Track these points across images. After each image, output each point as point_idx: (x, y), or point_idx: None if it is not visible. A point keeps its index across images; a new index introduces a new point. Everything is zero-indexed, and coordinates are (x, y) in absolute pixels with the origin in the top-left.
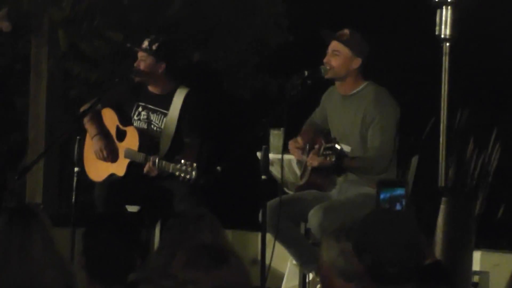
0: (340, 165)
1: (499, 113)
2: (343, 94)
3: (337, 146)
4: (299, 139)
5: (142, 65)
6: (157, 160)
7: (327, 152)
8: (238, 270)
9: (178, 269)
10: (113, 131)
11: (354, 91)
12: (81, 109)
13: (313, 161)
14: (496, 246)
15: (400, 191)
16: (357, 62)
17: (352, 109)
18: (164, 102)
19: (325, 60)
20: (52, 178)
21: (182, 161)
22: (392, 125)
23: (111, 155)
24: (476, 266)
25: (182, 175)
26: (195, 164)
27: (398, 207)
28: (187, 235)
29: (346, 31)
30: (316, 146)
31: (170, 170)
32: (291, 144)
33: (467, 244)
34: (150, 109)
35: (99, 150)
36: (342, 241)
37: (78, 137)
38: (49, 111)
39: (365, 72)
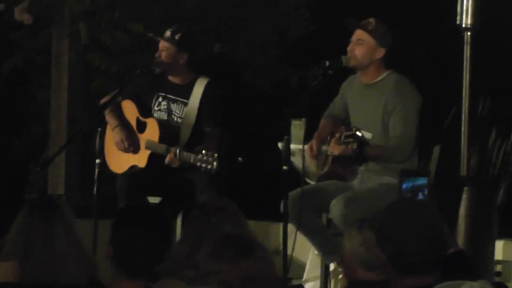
0: (361, 153)
1: None
2: (365, 83)
3: (358, 133)
4: (313, 144)
5: (164, 55)
6: (178, 151)
7: (348, 140)
8: (264, 261)
9: (204, 260)
10: (133, 123)
11: (376, 80)
12: (102, 101)
13: (334, 149)
14: None
15: (422, 181)
16: (381, 52)
17: (373, 97)
18: (185, 92)
19: (348, 49)
20: (74, 170)
21: (203, 151)
22: (414, 114)
23: (132, 146)
24: (498, 255)
25: (204, 165)
26: (216, 155)
27: (420, 196)
28: (209, 226)
29: (372, 20)
30: (337, 135)
31: (192, 161)
32: (307, 151)
33: (490, 233)
34: (170, 99)
35: (120, 141)
36: (364, 231)
37: (99, 129)
38: (70, 104)
39: (387, 62)
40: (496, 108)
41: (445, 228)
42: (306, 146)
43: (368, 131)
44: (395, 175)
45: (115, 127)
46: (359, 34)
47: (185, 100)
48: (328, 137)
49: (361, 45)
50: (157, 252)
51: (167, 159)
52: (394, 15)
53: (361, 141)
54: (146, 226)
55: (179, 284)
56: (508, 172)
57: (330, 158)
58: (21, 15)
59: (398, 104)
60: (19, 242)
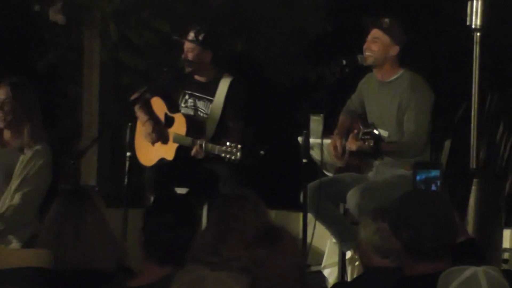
0: (377, 149)
1: None
2: (381, 80)
3: (375, 131)
4: (336, 139)
5: (190, 56)
6: (203, 143)
7: (366, 137)
8: (287, 250)
9: (241, 249)
10: (162, 118)
11: (392, 78)
12: (132, 98)
13: (352, 145)
14: None
15: (435, 173)
16: (395, 50)
17: (389, 95)
18: (210, 90)
19: (365, 46)
20: (105, 162)
21: (228, 143)
22: (427, 111)
23: (161, 138)
24: (506, 243)
25: (228, 156)
26: (239, 146)
27: (433, 187)
28: (232, 215)
29: (387, 19)
30: (355, 131)
31: (216, 152)
32: (329, 146)
33: (497, 222)
34: (196, 97)
35: (149, 134)
36: (379, 220)
37: (129, 123)
38: (101, 99)
39: (402, 60)
40: (504, 104)
41: (456, 217)
42: (329, 144)
43: (383, 126)
44: (408, 167)
45: (145, 121)
46: (374, 32)
47: (211, 98)
48: (345, 129)
49: (376, 42)
50: (184, 240)
51: (193, 151)
52: (408, 15)
53: (378, 138)
54: (175, 215)
55: (203, 269)
56: None
57: (347, 152)
58: (55, 15)
59: (412, 101)
60: (53, 230)
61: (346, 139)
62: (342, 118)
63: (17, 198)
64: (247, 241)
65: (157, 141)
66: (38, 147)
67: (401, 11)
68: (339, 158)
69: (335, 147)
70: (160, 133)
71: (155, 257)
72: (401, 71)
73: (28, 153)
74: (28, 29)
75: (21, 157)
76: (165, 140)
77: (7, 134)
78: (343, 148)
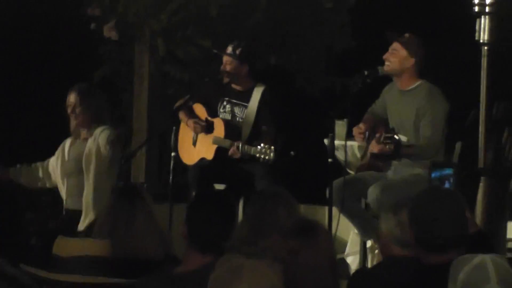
0: (397, 152)
1: None
2: (401, 89)
3: (395, 136)
4: (361, 125)
5: (228, 68)
6: (240, 145)
7: (387, 141)
8: (325, 238)
9: (275, 241)
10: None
11: (410, 87)
12: (176, 105)
13: (374, 148)
14: None
15: (448, 171)
16: (411, 62)
17: (408, 103)
18: (245, 97)
19: (384, 57)
20: (153, 162)
21: (262, 144)
22: (442, 119)
23: (206, 126)
24: (510, 234)
25: (262, 156)
26: (273, 147)
27: (447, 185)
28: (267, 210)
29: (407, 34)
30: (377, 135)
31: (251, 153)
32: (355, 130)
33: (502, 216)
34: (233, 103)
35: (196, 123)
36: (399, 214)
37: (174, 127)
38: (150, 107)
39: (421, 71)
40: (509, 111)
41: (467, 212)
42: (351, 143)
43: (402, 131)
44: (424, 166)
45: (188, 119)
46: (394, 45)
47: (246, 104)
48: (368, 132)
49: (394, 54)
50: (223, 231)
51: (230, 152)
52: (425, 32)
53: (398, 143)
54: (216, 209)
55: (240, 257)
56: None
57: (369, 153)
58: (109, 32)
59: (428, 109)
60: (107, 223)
61: (369, 135)
62: (366, 116)
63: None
64: (282, 233)
65: (204, 127)
66: (100, 131)
67: (418, 28)
68: (361, 135)
69: (359, 127)
70: (202, 125)
71: (198, 247)
72: (419, 82)
73: (90, 141)
74: (85, 44)
75: (90, 144)
76: (210, 128)
77: (81, 130)
78: (366, 128)
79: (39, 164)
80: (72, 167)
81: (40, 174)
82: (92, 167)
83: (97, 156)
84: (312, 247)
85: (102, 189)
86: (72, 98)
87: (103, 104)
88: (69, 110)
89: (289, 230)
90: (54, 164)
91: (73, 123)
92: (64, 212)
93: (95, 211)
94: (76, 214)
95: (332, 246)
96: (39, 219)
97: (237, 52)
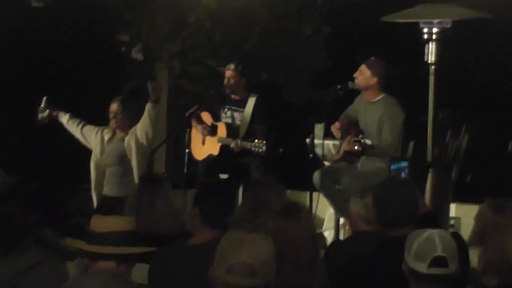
0: (363, 152)
1: (468, 113)
2: (367, 101)
3: (362, 140)
4: (337, 124)
5: (231, 82)
6: (239, 141)
7: (355, 144)
8: (302, 219)
9: (268, 219)
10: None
11: (374, 100)
12: (188, 113)
13: (345, 147)
14: (465, 200)
15: (404, 165)
16: (374, 80)
17: (372, 113)
18: (242, 105)
19: (354, 75)
20: (171, 157)
21: (256, 140)
22: (399, 125)
23: (211, 129)
24: (452, 213)
25: (256, 149)
26: (264, 142)
27: (402, 175)
28: (261, 194)
29: (372, 58)
30: (348, 137)
31: (248, 147)
32: (333, 127)
33: (446, 199)
34: (233, 110)
35: (203, 128)
36: (365, 198)
37: (187, 130)
38: (168, 113)
39: (383, 87)
40: (451, 117)
41: (418, 196)
42: (327, 142)
43: (367, 134)
44: (385, 161)
45: (197, 125)
46: (362, 66)
47: (242, 110)
48: (343, 131)
49: (361, 73)
50: (227, 211)
51: (231, 146)
52: (387, 55)
53: (364, 146)
54: (221, 194)
55: (241, 232)
56: (459, 159)
57: (342, 150)
58: (135, 54)
59: (388, 118)
60: (133, 204)
61: (343, 133)
62: (342, 116)
63: None
64: (272, 213)
65: (207, 135)
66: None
67: (381, 52)
68: (337, 130)
69: (335, 125)
70: (208, 130)
71: (208, 223)
72: (381, 95)
73: (127, 139)
74: (117, 64)
75: (127, 141)
76: (214, 132)
77: (119, 131)
78: (341, 125)
79: (80, 124)
80: (110, 160)
81: (79, 134)
82: (134, 156)
83: (137, 146)
84: (296, 224)
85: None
86: (115, 106)
87: (136, 111)
88: (111, 115)
89: (278, 210)
90: (93, 140)
91: (113, 125)
92: (102, 197)
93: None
94: (113, 200)
95: (312, 223)
96: (81, 201)
97: (238, 68)
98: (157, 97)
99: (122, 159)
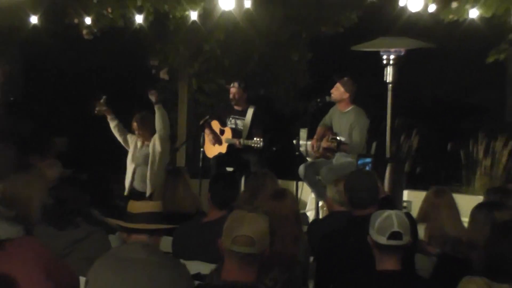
0: (338, 147)
1: (417, 121)
2: (341, 110)
3: (338, 137)
4: (314, 141)
5: (237, 96)
6: (242, 141)
7: (332, 140)
8: (290, 201)
9: (265, 202)
10: (217, 131)
11: (346, 110)
12: (201, 122)
13: (324, 144)
14: (415, 187)
15: (368, 160)
16: (346, 95)
17: (344, 120)
18: (243, 114)
19: (331, 91)
20: (189, 154)
21: (255, 138)
22: (364, 129)
23: (217, 141)
24: (405, 198)
25: (255, 145)
26: (262, 139)
27: (367, 168)
28: (259, 184)
29: (345, 78)
30: (327, 136)
31: (249, 144)
32: (311, 148)
33: (400, 187)
34: (236, 118)
35: (213, 138)
36: (338, 185)
37: (202, 133)
38: (187, 121)
39: (353, 100)
40: (405, 123)
41: (379, 184)
42: (309, 143)
43: (340, 135)
44: (354, 157)
45: (208, 133)
46: (337, 84)
47: (243, 118)
48: (321, 136)
49: (336, 90)
50: (232, 195)
51: (236, 144)
52: (356, 74)
53: (339, 142)
54: (227, 182)
55: (243, 211)
56: (410, 155)
57: (322, 147)
58: (163, 75)
59: (356, 124)
60: (161, 191)
61: (320, 138)
62: (319, 128)
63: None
64: (266, 197)
65: (215, 143)
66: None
67: (351, 73)
68: (315, 152)
69: (312, 146)
70: (216, 136)
71: (217, 204)
72: (352, 106)
73: (150, 144)
74: (149, 83)
75: (150, 146)
76: (219, 142)
77: (144, 140)
78: (318, 146)
79: (124, 132)
80: (140, 160)
81: (122, 139)
82: (157, 158)
83: (156, 152)
84: (283, 205)
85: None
86: (134, 125)
87: (153, 122)
88: (134, 131)
89: (270, 195)
90: (130, 145)
91: (139, 137)
92: (131, 190)
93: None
94: (139, 194)
95: (296, 205)
96: (120, 189)
97: (241, 85)
98: (157, 99)
99: (147, 161)
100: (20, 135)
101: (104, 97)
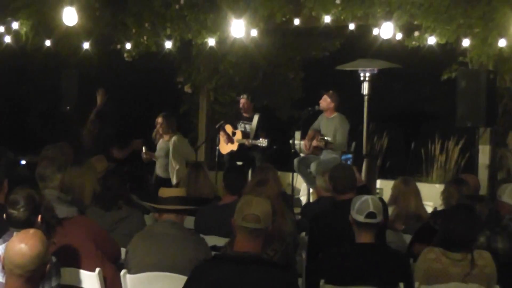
0: (326, 145)
1: (387, 125)
2: (327, 117)
3: (325, 138)
4: (306, 141)
5: (245, 105)
6: (250, 140)
7: (321, 140)
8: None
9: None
10: (230, 133)
11: (331, 116)
12: (217, 125)
13: (314, 143)
14: (385, 177)
15: (349, 156)
16: (332, 105)
17: (330, 124)
18: (250, 119)
19: (320, 101)
20: (208, 151)
21: (260, 139)
22: (346, 132)
23: (230, 139)
24: (378, 186)
25: (260, 144)
26: (266, 140)
27: (349, 162)
28: (263, 175)
29: (331, 91)
30: (317, 137)
31: (255, 143)
32: (304, 147)
33: (374, 177)
34: (245, 123)
35: (227, 138)
36: (325, 176)
37: (218, 134)
38: (206, 125)
39: (337, 108)
40: (376, 127)
41: (357, 174)
42: (302, 142)
43: (328, 137)
44: (338, 154)
45: (223, 135)
46: (324, 96)
47: (251, 123)
48: (312, 137)
49: (324, 101)
50: (241, 183)
51: (245, 143)
52: (339, 88)
53: (326, 141)
54: (238, 173)
55: (251, 196)
56: (381, 152)
57: (312, 146)
58: (187, 89)
59: (339, 128)
60: (185, 180)
61: (311, 140)
62: (310, 131)
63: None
64: (253, 185)
65: (228, 143)
66: (175, 137)
67: (336, 86)
68: (307, 149)
69: (305, 145)
70: (229, 139)
71: (230, 191)
72: (336, 114)
73: (171, 141)
74: (176, 95)
75: (171, 143)
76: (231, 142)
77: (164, 135)
78: (309, 145)
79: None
80: (161, 153)
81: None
82: (176, 154)
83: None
84: (265, 189)
85: (182, 165)
86: (159, 119)
87: (174, 122)
88: (158, 126)
89: (254, 183)
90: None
91: (159, 130)
92: (157, 177)
93: (178, 176)
94: (162, 180)
95: (279, 186)
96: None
97: (249, 97)
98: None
99: (167, 154)
100: (108, 135)
101: (144, 148)
